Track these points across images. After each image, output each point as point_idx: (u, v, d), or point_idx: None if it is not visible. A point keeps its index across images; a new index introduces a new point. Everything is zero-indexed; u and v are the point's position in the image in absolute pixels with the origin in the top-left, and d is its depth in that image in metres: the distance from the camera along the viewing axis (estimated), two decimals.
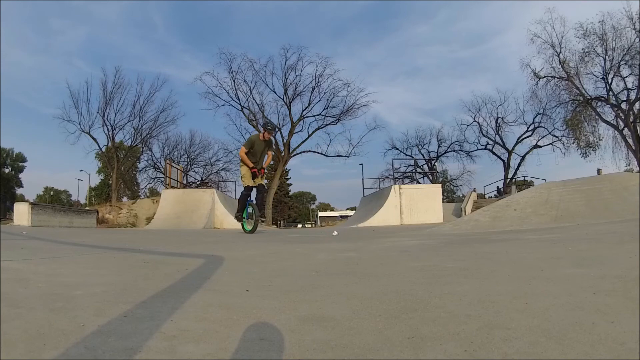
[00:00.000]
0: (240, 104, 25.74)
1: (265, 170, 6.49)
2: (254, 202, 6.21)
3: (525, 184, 26.00)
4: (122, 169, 27.57)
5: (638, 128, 21.50)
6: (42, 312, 0.99)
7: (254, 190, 6.23)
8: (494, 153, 29.18)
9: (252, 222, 6.14)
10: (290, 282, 1.47)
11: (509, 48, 57.79)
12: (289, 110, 25.78)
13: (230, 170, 29.29)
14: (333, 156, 26.45)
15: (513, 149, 28.44)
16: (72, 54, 54.32)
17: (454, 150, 30.87)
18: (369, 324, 0.87)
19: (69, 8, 48.99)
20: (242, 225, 6.49)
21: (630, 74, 21.30)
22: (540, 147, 27.31)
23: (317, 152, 26.62)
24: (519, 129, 30.09)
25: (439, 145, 31.57)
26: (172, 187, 15.01)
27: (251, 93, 25.66)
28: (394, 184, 14.13)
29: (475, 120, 29.17)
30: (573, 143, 25.41)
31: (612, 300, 0.95)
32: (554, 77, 23.80)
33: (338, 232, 4.97)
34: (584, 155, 25.15)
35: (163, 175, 24.85)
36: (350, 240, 3.91)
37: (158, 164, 29.80)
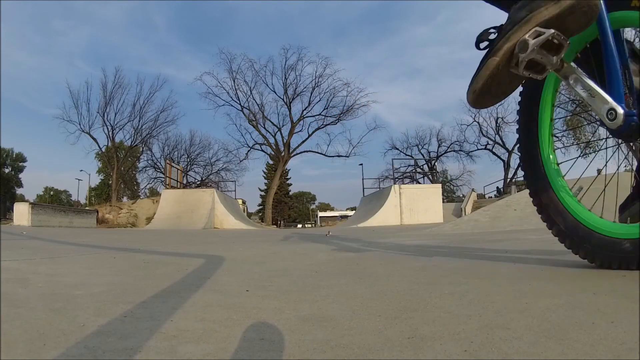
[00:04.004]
0: (240, 104, 25.83)
1: None
2: None
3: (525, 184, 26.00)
4: (122, 169, 27.58)
5: None
6: (42, 312, 0.99)
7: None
8: (494, 153, 29.27)
9: None
10: (290, 282, 1.47)
11: None
12: (289, 110, 25.86)
13: (230, 170, 29.31)
14: (333, 156, 26.52)
15: (513, 149, 28.47)
16: (73, 54, 54.56)
17: (454, 150, 30.95)
18: (369, 324, 0.87)
19: (70, 9, 49.14)
20: None
21: None
22: None
23: (317, 152, 26.71)
24: None
25: (439, 145, 31.65)
26: (172, 187, 15.03)
27: (251, 93, 25.76)
28: (394, 184, 14.13)
29: (475, 120, 29.25)
30: (573, 143, 25.45)
31: (612, 300, 0.95)
32: None
33: (335, 232, 4.97)
34: (584, 155, 25.17)
35: (163, 175, 24.86)
36: (350, 240, 3.91)
37: (158, 164, 29.83)
